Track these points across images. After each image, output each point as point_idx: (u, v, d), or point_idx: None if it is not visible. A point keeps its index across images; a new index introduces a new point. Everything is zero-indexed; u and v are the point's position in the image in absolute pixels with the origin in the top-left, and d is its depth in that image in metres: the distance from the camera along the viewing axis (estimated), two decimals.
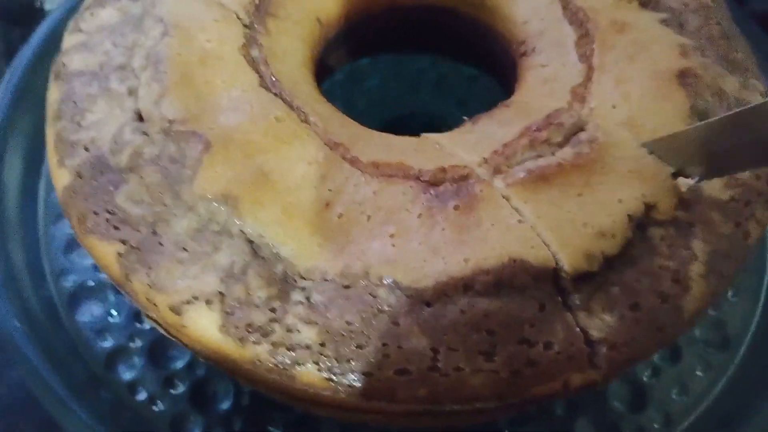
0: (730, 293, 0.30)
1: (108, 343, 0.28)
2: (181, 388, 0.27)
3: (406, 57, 0.39)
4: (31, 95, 0.33)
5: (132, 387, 0.27)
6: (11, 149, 0.32)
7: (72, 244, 0.30)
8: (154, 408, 0.27)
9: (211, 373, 0.28)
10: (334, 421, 0.27)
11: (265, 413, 0.27)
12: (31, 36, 0.34)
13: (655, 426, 0.27)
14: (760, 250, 0.31)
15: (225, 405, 0.27)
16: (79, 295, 0.29)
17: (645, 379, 0.28)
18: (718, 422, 0.27)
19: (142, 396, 0.27)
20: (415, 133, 0.26)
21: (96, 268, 0.30)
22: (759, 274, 0.31)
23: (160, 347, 0.28)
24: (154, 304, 0.21)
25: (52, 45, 0.31)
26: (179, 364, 0.28)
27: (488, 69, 0.35)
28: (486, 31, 0.31)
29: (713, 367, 0.28)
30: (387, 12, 0.31)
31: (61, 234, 0.31)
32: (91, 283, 0.30)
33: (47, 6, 0.49)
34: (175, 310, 0.20)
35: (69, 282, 0.30)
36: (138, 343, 0.28)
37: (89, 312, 0.29)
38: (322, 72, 0.32)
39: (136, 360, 0.28)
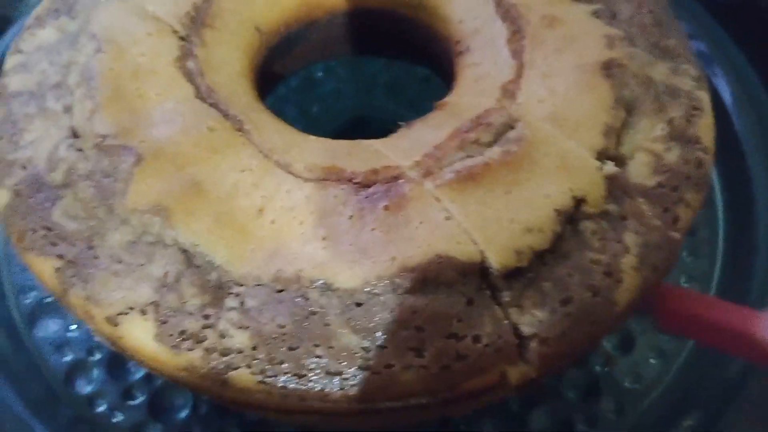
0: (683, 279, 0.31)
1: (67, 358, 0.29)
2: (139, 399, 0.28)
3: (360, 60, 0.39)
4: None
5: (91, 400, 0.28)
6: None
7: None
8: (114, 420, 0.27)
9: (169, 383, 0.28)
10: (289, 425, 0.27)
11: (222, 420, 0.27)
12: None
13: (608, 415, 0.27)
14: (711, 237, 0.31)
15: (183, 414, 0.28)
16: (38, 311, 0.30)
17: (598, 368, 0.28)
18: (670, 408, 0.27)
19: (101, 408, 0.28)
20: (369, 136, 0.26)
21: None
22: (711, 261, 0.31)
23: (119, 359, 0.29)
24: (91, 317, 0.21)
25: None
26: (137, 375, 0.28)
27: (437, 70, 0.35)
28: (427, 31, 0.31)
29: (666, 354, 0.29)
30: (329, 18, 0.32)
31: None
32: (50, 300, 0.30)
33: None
34: (111, 322, 0.21)
35: (29, 299, 0.30)
36: (97, 356, 0.29)
37: (49, 327, 0.29)
38: (271, 79, 0.33)
39: (95, 373, 0.28)
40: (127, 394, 0.28)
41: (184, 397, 0.28)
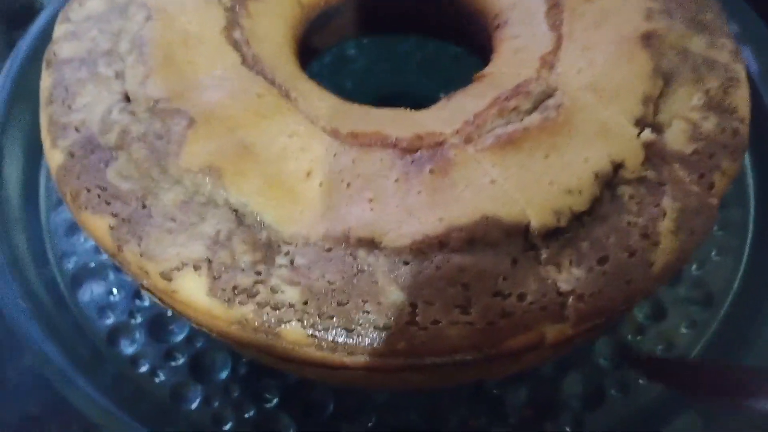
0: (713, 253, 0.31)
1: (110, 320, 0.29)
2: (180, 360, 0.29)
3: (392, 38, 0.40)
4: (29, 88, 0.34)
5: (134, 360, 0.28)
6: (11, 141, 0.33)
7: (73, 228, 0.32)
8: (156, 379, 0.28)
9: (209, 345, 0.29)
10: (327, 387, 0.28)
11: (261, 381, 0.28)
12: (27, 31, 0.36)
13: (640, 381, 0.28)
14: (742, 211, 0.32)
15: (223, 375, 0.28)
16: (80, 276, 0.31)
17: (630, 337, 0.29)
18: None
19: (143, 368, 0.28)
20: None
21: (97, 249, 0.31)
22: (741, 234, 0.31)
23: (160, 323, 0.29)
24: (146, 272, 0.22)
25: (48, 38, 0.33)
26: (179, 337, 0.29)
27: (471, 47, 0.36)
28: (464, 7, 0.32)
29: (697, 324, 0.29)
30: None
31: (62, 219, 0.32)
32: (93, 265, 0.31)
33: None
34: (166, 277, 0.21)
35: (71, 264, 0.31)
36: (138, 320, 0.30)
37: (91, 291, 0.30)
38: (308, 53, 0.33)
39: (137, 335, 0.29)
40: (169, 355, 0.29)
41: (223, 358, 0.29)
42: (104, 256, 0.31)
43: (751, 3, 0.37)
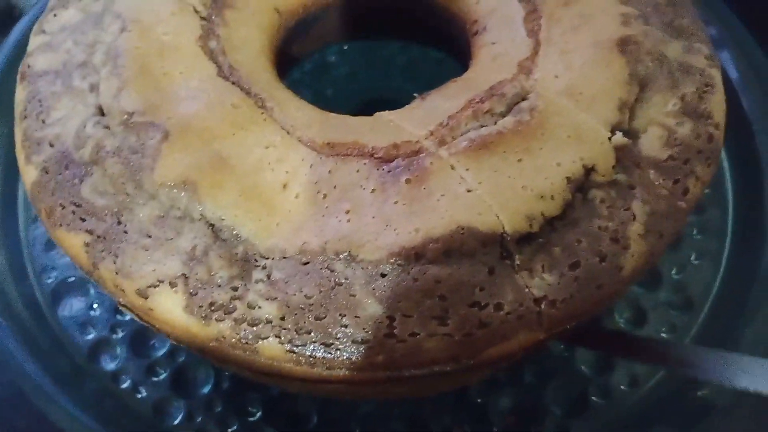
0: (693, 256, 0.31)
1: (91, 336, 0.29)
2: (162, 375, 0.28)
3: (375, 44, 0.39)
4: (6, 100, 0.33)
5: (115, 376, 0.28)
6: None
7: (52, 242, 0.31)
8: (138, 395, 0.28)
9: (191, 359, 0.29)
10: (310, 398, 0.28)
11: (244, 395, 0.28)
12: (3, 42, 0.35)
13: (622, 387, 0.28)
14: (721, 215, 0.32)
15: (206, 389, 0.28)
16: (61, 291, 0.30)
17: None
18: (681, 380, 0.28)
19: (125, 384, 0.28)
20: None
21: None
22: (721, 238, 0.31)
23: (142, 337, 0.29)
24: (122, 290, 0.22)
25: (24, 50, 0.32)
26: (160, 352, 0.29)
27: (453, 51, 0.36)
28: (444, 13, 0.32)
29: (677, 328, 0.29)
30: (346, 1, 0.32)
31: (41, 233, 0.32)
32: (72, 279, 0.30)
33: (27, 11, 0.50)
34: (142, 294, 0.21)
35: (51, 279, 0.31)
36: (120, 334, 0.29)
37: (71, 306, 0.30)
38: (287, 61, 0.33)
39: (119, 350, 0.29)
40: (151, 370, 0.29)
41: (206, 373, 0.29)
42: None
43: (730, 3, 0.37)
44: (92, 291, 0.30)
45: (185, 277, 0.21)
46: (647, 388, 0.28)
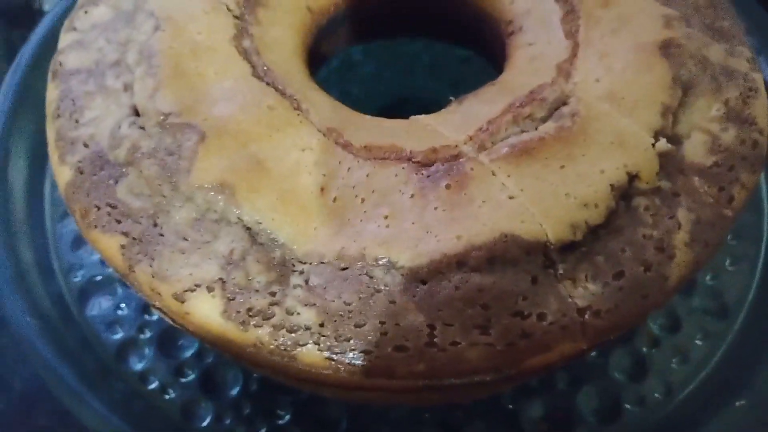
0: (727, 262, 0.31)
1: (118, 335, 0.29)
2: (191, 376, 0.28)
3: (399, 42, 0.39)
4: (32, 96, 0.33)
5: (143, 377, 0.28)
6: (16, 150, 0.33)
7: (79, 241, 0.31)
8: (166, 396, 0.28)
9: (219, 360, 0.29)
10: (340, 402, 0.27)
11: (273, 397, 0.28)
12: (30, 37, 0.35)
13: (656, 395, 0.27)
14: (756, 219, 0.31)
15: (234, 391, 0.28)
16: (88, 290, 0.30)
17: (645, 350, 0.29)
18: (717, 389, 0.27)
19: (153, 385, 0.28)
20: (410, 117, 0.26)
21: (104, 263, 0.31)
22: (756, 243, 0.31)
23: (170, 337, 0.29)
24: (158, 294, 0.21)
25: (52, 45, 0.32)
26: (188, 352, 0.29)
27: (480, 50, 0.35)
28: (476, 12, 0.31)
29: (712, 335, 0.29)
30: None
31: (68, 231, 0.32)
32: (100, 278, 0.30)
33: (46, 7, 0.50)
34: (179, 298, 0.21)
35: (78, 277, 0.30)
36: (147, 334, 0.29)
37: (99, 306, 0.30)
38: (316, 60, 0.32)
39: (147, 350, 0.29)
40: (179, 371, 0.28)
41: (234, 374, 0.28)
42: (112, 270, 0.30)
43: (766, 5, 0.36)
44: (120, 290, 0.30)
45: (223, 281, 0.21)
46: (682, 397, 0.27)
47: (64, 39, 0.27)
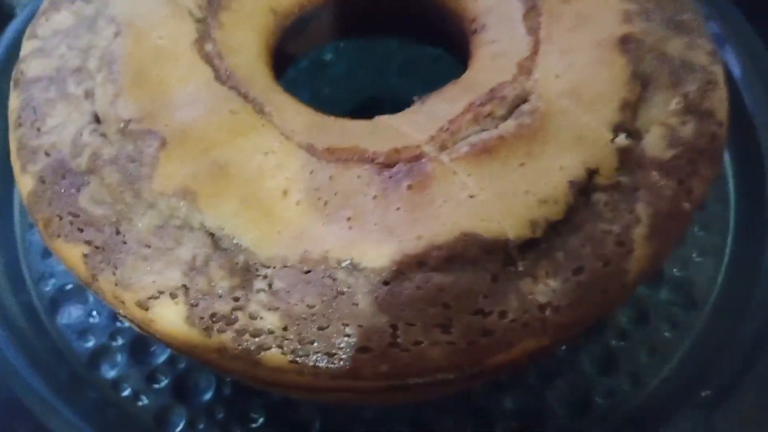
0: (694, 254, 0.31)
1: (90, 343, 0.29)
2: (163, 382, 0.28)
3: (371, 41, 0.39)
4: (1, 104, 0.33)
5: (116, 384, 0.28)
6: None
7: (49, 249, 0.31)
8: (139, 403, 0.28)
9: (192, 365, 0.29)
10: (313, 403, 0.27)
11: (246, 401, 0.28)
12: None
13: (625, 388, 0.28)
14: (723, 210, 0.32)
15: (207, 396, 0.28)
16: (59, 299, 0.30)
17: (614, 342, 0.29)
18: (685, 380, 0.28)
19: (126, 392, 0.28)
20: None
21: None
22: (722, 234, 0.31)
23: (142, 344, 0.29)
24: (122, 302, 0.21)
25: (17, 53, 0.32)
26: (161, 359, 0.29)
27: (450, 49, 0.35)
28: (441, 10, 0.31)
29: (680, 326, 0.29)
30: None
31: (38, 240, 0.31)
32: (70, 286, 0.30)
33: (18, 11, 0.50)
34: (142, 306, 0.21)
35: (48, 286, 0.30)
36: (120, 342, 0.29)
37: (70, 314, 0.30)
38: (283, 60, 0.32)
39: (119, 358, 0.29)
40: (151, 377, 0.28)
41: (207, 379, 0.28)
42: None
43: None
44: (91, 298, 0.30)
45: (186, 288, 0.21)
46: (651, 389, 0.28)
47: (26, 46, 0.27)
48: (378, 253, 0.21)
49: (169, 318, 0.21)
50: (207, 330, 0.21)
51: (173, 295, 0.21)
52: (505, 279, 0.21)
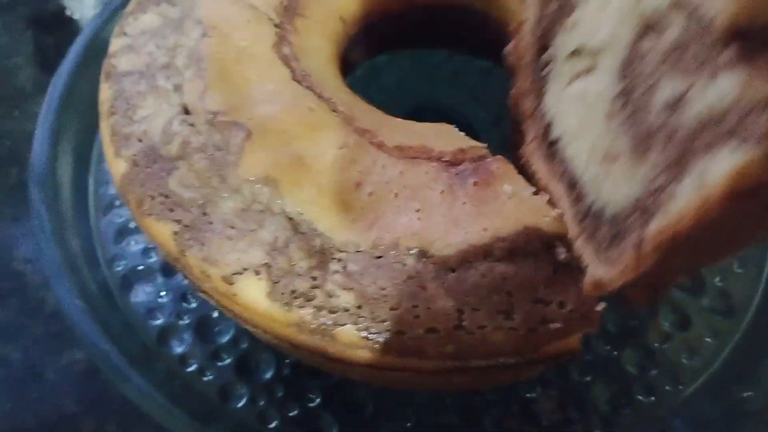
0: (735, 265, 0.32)
1: (159, 321, 0.31)
2: (227, 360, 0.30)
3: (422, 52, 0.41)
4: (76, 100, 0.35)
5: (183, 359, 0.30)
6: (62, 149, 0.35)
7: (121, 233, 0.33)
8: (203, 378, 0.29)
9: (253, 346, 0.30)
10: (368, 387, 0.29)
11: (304, 381, 0.29)
12: (71, 47, 0.37)
13: (667, 387, 0.29)
14: None
15: (267, 375, 0.30)
16: (130, 279, 0.32)
17: (656, 345, 0.30)
18: (725, 384, 0.29)
19: (192, 367, 0.30)
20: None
21: (145, 253, 0.33)
22: (762, 248, 0.32)
23: (207, 324, 0.31)
24: (208, 276, 0.23)
25: (91, 53, 0.35)
26: (224, 338, 0.31)
27: (500, 62, 0.37)
28: (497, 25, 0.33)
29: (720, 333, 0.30)
30: (405, 10, 0.34)
31: (111, 225, 0.33)
32: (141, 267, 0.32)
33: (76, 15, 0.52)
34: (227, 281, 0.23)
35: (120, 267, 0.32)
36: (186, 321, 0.31)
37: (140, 293, 0.32)
38: (344, 68, 0.34)
39: (185, 335, 0.31)
40: (215, 355, 0.30)
41: (267, 360, 0.30)
42: (152, 260, 0.32)
43: None
44: (160, 279, 0.32)
45: (268, 266, 0.23)
46: (692, 390, 0.29)
47: (116, 43, 0.30)
48: (445, 243, 0.23)
49: (252, 292, 0.23)
50: (287, 305, 0.22)
51: (257, 272, 0.23)
52: (565, 271, 0.22)
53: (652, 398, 0.29)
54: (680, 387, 0.29)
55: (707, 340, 0.30)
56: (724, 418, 0.28)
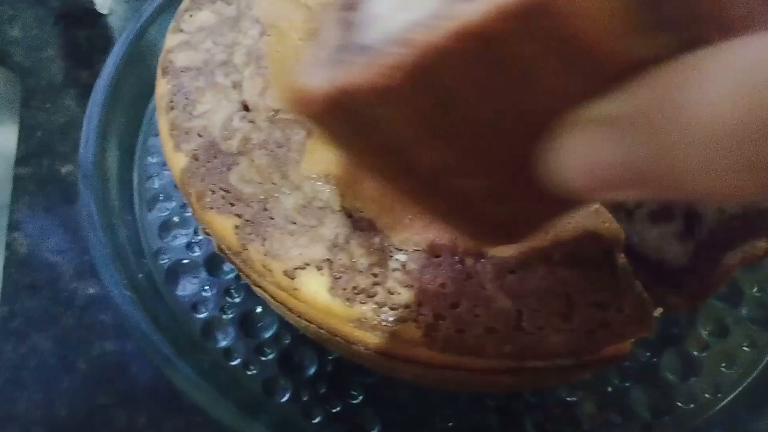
0: None
1: (203, 315, 0.31)
2: (270, 355, 0.30)
3: None
4: (122, 93, 0.36)
5: (227, 353, 0.30)
6: (109, 143, 0.35)
7: (165, 227, 0.33)
8: (248, 372, 0.30)
9: (296, 342, 0.31)
10: (410, 386, 0.29)
11: (347, 378, 0.30)
12: (114, 46, 0.37)
13: (706, 396, 0.29)
14: None
15: (311, 371, 0.30)
16: (175, 272, 0.32)
17: (695, 353, 0.30)
18: (764, 394, 0.29)
19: (236, 361, 0.30)
20: None
21: (189, 248, 0.33)
22: None
23: (250, 319, 0.31)
24: (269, 270, 0.24)
25: (134, 51, 0.35)
26: (267, 333, 0.31)
27: None
28: None
29: (758, 343, 0.31)
30: None
31: (154, 219, 0.34)
32: (186, 261, 0.33)
33: (105, 10, 0.53)
34: (289, 275, 0.23)
35: (165, 260, 0.33)
36: (230, 315, 0.31)
37: (185, 287, 0.32)
38: None
39: (229, 330, 0.31)
40: (259, 350, 0.30)
41: (310, 356, 0.30)
42: (197, 254, 0.33)
43: None
44: (203, 273, 0.32)
45: (330, 261, 0.23)
46: (731, 398, 0.29)
47: (172, 39, 0.30)
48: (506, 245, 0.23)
49: (314, 287, 0.23)
50: (349, 300, 0.23)
51: (319, 267, 0.23)
52: (623, 276, 0.23)
53: (692, 405, 0.29)
54: (719, 395, 0.29)
55: (745, 349, 0.30)
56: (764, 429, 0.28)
